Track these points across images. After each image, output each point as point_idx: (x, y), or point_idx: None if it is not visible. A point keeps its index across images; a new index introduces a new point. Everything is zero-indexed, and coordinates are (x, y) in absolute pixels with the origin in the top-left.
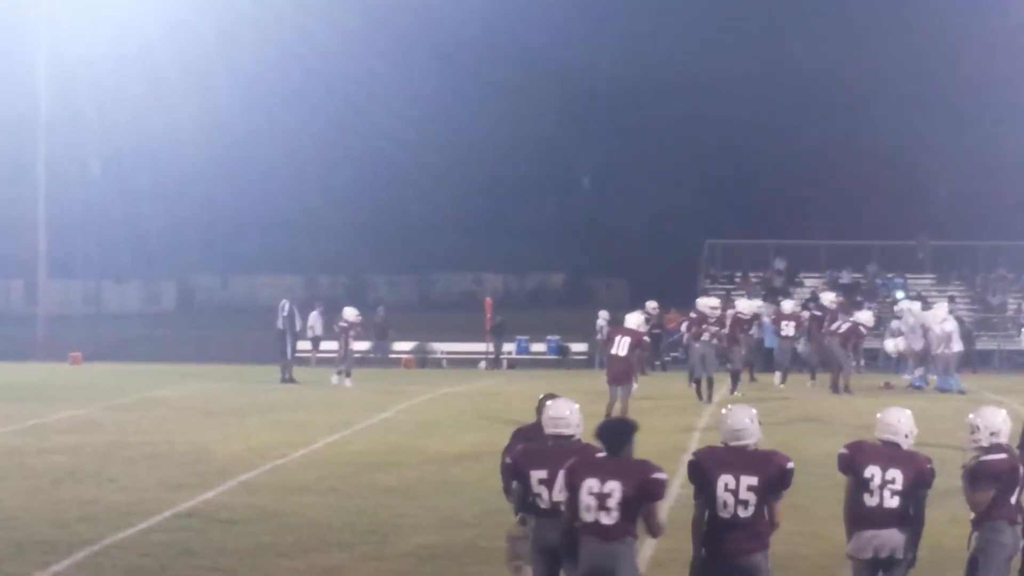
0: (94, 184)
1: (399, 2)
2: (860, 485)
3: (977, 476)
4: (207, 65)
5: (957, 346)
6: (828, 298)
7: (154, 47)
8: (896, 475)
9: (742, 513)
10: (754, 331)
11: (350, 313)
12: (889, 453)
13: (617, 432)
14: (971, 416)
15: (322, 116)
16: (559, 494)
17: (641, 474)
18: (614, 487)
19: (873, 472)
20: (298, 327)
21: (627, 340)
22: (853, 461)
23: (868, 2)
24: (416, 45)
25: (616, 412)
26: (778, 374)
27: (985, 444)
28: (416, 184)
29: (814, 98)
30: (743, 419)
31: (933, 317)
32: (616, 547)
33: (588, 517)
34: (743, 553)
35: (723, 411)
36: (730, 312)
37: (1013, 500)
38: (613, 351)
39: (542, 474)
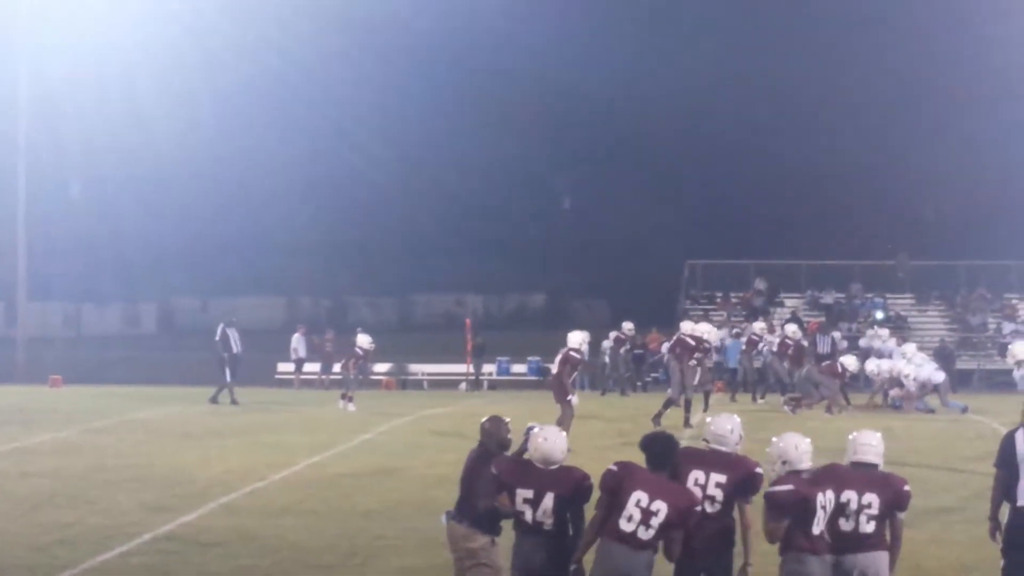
0: (74, 206)
1: (381, 23)
2: (836, 510)
3: (766, 506)
4: (188, 86)
5: (937, 377)
6: (791, 330)
7: (135, 67)
8: (873, 499)
9: (709, 508)
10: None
11: (364, 340)
12: (865, 476)
13: (664, 446)
14: (773, 440)
15: (303, 138)
16: (543, 515)
17: (687, 500)
18: (661, 507)
19: (849, 497)
20: (234, 349)
21: (559, 357)
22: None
23: (849, 23)
24: (397, 66)
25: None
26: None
27: (778, 472)
28: (397, 206)
29: (795, 119)
30: (725, 425)
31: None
32: (646, 556)
33: (627, 527)
34: (711, 552)
35: (708, 418)
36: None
37: (816, 530)
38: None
39: (528, 493)
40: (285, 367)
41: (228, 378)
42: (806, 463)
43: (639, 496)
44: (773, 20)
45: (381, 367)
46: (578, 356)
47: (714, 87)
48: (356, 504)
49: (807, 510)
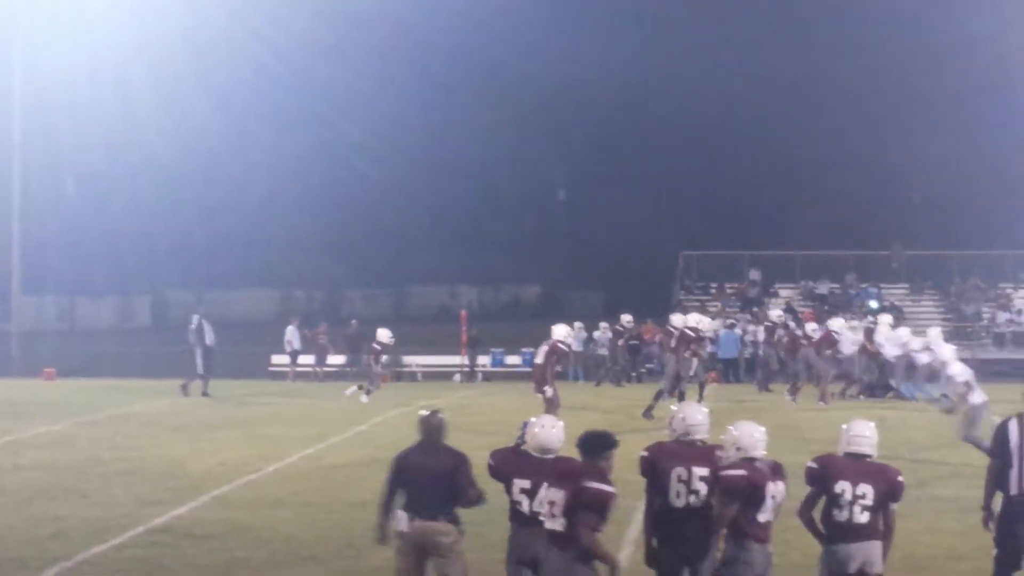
0: (68, 200)
1: (374, 17)
2: (830, 500)
3: (718, 490)
4: (181, 81)
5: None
6: (774, 314)
7: (128, 64)
8: (867, 490)
9: (694, 501)
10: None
11: (384, 335)
12: (859, 467)
13: (595, 440)
14: (729, 428)
15: (297, 132)
16: (539, 505)
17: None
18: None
19: (843, 487)
20: (208, 341)
21: (544, 348)
22: (823, 476)
23: (842, 12)
24: (390, 59)
25: None
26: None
27: (732, 458)
28: (391, 198)
29: (789, 109)
30: (696, 415)
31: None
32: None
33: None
34: (695, 544)
35: (673, 407)
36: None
37: (762, 518)
38: (535, 359)
39: (525, 484)
40: (279, 359)
41: (201, 370)
42: (760, 451)
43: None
44: (767, 11)
45: None
46: (564, 348)
47: (708, 79)
48: (350, 496)
49: (756, 497)
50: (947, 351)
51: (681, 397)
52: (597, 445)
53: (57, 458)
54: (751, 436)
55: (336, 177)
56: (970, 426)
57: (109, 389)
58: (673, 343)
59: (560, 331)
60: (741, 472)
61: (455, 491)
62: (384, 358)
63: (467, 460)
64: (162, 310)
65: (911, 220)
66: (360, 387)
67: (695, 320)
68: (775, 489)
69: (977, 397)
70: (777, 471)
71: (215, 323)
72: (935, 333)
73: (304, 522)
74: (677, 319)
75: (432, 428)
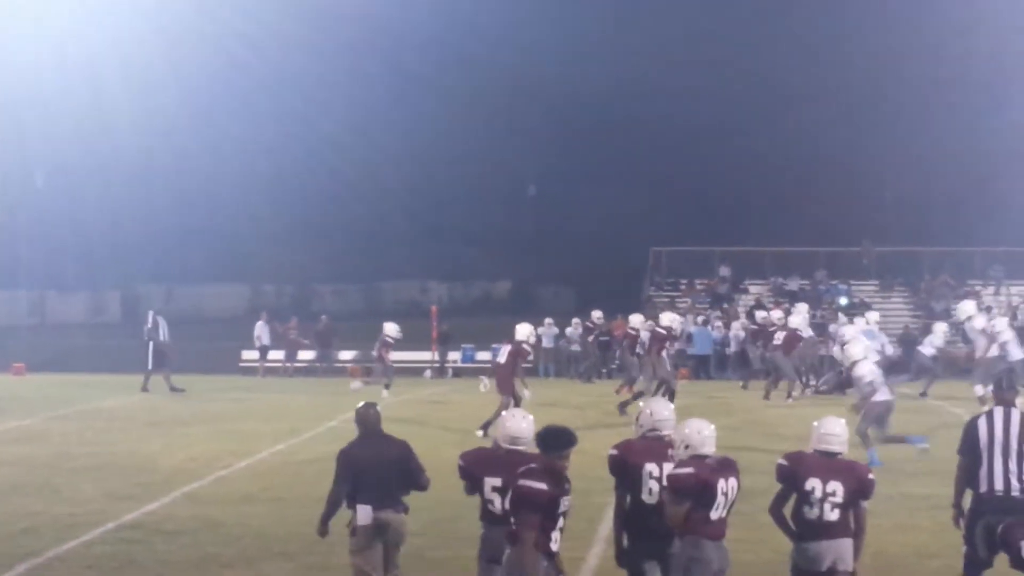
0: (38, 194)
1: (346, 11)
2: (800, 498)
3: (667, 489)
4: (152, 74)
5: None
6: (638, 320)
7: (99, 56)
8: (837, 487)
9: (724, 515)
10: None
11: (392, 329)
12: (829, 465)
13: (551, 438)
14: (677, 426)
15: (268, 126)
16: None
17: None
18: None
19: (814, 485)
20: (162, 337)
21: (507, 348)
22: (794, 473)
23: (814, 10)
24: (361, 54)
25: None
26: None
27: (681, 456)
28: (362, 193)
29: (760, 106)
30: (663, 411)
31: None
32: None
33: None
34: (664, 539)
35: (641, 403)
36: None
37: (715, 515)
38: (497, 359)
39: (496, 482)
40: (249, 355)
41: (150, 366)
42: (709, 448)
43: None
44: (739, 8)
45: (346, 354)
46: (528, 350)
47: (680, 76)
48: (321, 491)
49: (707, 495)
50: (858, 349)
51: (671, 396)
52: (553, 442)
53: (27, 454)
54: (699, 433)
55: (307, 172)
56: (879, 427)
57: (79, 384)
58: (646, 344)
59: (523, 331)
60: (689, 470)
61: (409, 478)
62: (387, 352)
63: (411, 446)
64: (133, 305)
65: (881, 217)
66: (385, 386)
67: (668, 319)
68: (726, 486)
69: (881, 396)
70: (727, 467)
71: (184, 318)
72: (851, 331)
73: (275, 518)
74: (636, 319)
75: (372, 420)
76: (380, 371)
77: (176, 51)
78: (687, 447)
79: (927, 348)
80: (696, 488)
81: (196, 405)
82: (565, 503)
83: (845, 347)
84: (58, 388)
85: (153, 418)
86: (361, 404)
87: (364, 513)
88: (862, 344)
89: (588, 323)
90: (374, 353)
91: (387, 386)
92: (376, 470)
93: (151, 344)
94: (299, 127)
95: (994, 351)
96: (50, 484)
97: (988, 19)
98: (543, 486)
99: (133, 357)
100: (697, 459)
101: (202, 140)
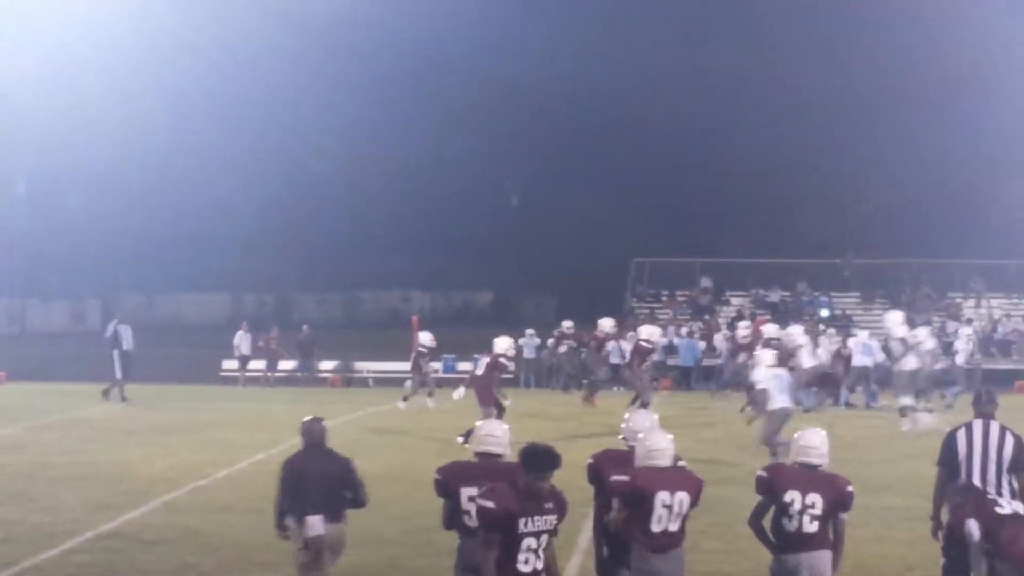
0: (19, 202)
1: (327, 19)
2: (779, 509)
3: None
4: (134, 83)
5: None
6: (607, 324)
7: (81, 64)
8: (816, 499)
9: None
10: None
11: (426, 338)
12: (809, 477)
13: (531, 458)
14: (639, 436)
15: (249, 134)
16: None
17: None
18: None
19: (793, 497)
20: (125, 346)
21: (485, 361)
22: (773, 485)
23: (793, 20)
24: (344, 62)
25: None
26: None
27: (639, 465)
28: (344, 202)
29: (742, 117)
30: (644, 423)
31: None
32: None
33: (657, 528)
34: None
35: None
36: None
37: (656, 528)
38: (476, 370)
39: (472, 491)
40: (229, 364)
41: (119, 375)
42: (661, 461)
43: (663, 496)
44: (720, 18)
45: (327, 364)
46: (506, 363)
47: (661, 86)
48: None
49: (643, 505)
50: (765, 356)
51: (643, 405)
52: (533, 462)
53: (6, 463)
54: (656, 445)
55: (289, 181)
56: (773, 432)
57: (60, 393)
58: (628, 357)
59: (503, 344)
60: (624, 478)
61: (352, 492)
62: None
63: (353, 463)
64: (114, 313)
65: (863, 229)
66: (428, 394)
67: (647, 332)
68: (671, 499)
69: (777, 404)
70: (676, 481)
71: (165, 327)
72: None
73: (254, 528)
74: (606, 323)
75: (319, 433)
76: (418, 382)
77: (158, 59)
78: (648, 457)
79: (960, 357)
80: (631, 496)
81: (176, 415)
82: (534, 523)
83: (759, 354)
84: (39, 397)
85: (133, 427)
86: (308, 418)
87: (316, 524)
88: (771, 353)
89: (557, 332)
90: (410, 365)
91: (430, 395)
92: (323, 482)
93: (115, 353)
94: (281, 136)
95: (913, 362)
96: (29, 493)
97: (970, 34)
98: (491, 504)
99: (134, 367)
100: (648, 469)
101: (183, 148)
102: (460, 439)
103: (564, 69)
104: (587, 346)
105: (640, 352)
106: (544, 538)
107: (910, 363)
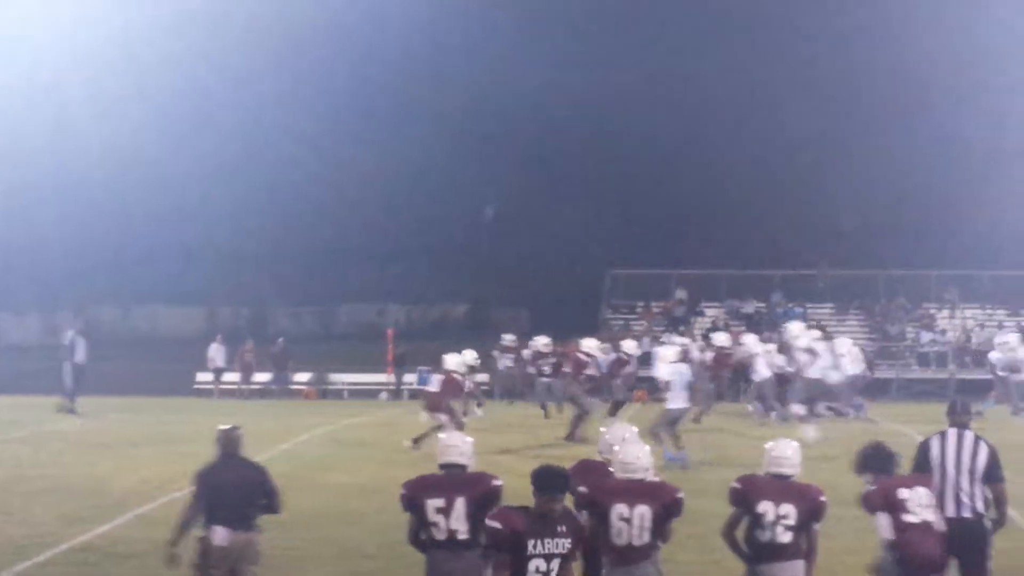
0: None
1: (305, 32)
2: (753, 520)
3: None
4: (112, 93)
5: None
6: (541, 342)
7: (59, 74)
8: (789, 510)
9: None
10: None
11: (469, 356)
12: (782, 488)
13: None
14: (615, 449)
15: (225, 147)
16: (456, 522)
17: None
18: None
19: (766, 508)
20: (78, 358)
21: (439, 378)
22: (746, 496)
23: (768, 31)
24: (320, 74)
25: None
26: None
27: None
28: (319, 215)
29: (717, 128)
30: (624, 434)
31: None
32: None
33: (619, 541)
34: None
35: (616, 447)
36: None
37: (618, 541)
38: (430, 386)
39: (439, 503)
40: (203, 377)
41: (71, 385)
42: (635, 474)
43: (620, 509)
44: (696, 30)
45: (301, 376)
46: (459, 378)
47: (636, 98)
48: (274, 515)
49: (601, 518)
50: (668, 352)
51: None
52: (542, 483)
53: None
54: (627, 458)
55: (263, 194)
56: (666, 425)
57: (33, 406)
58: (606, 369)
59: (452, 361)
60: (583, 489)
61: (267, 500)
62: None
63: (267, 470)
64: (88, 326)
65: (837, 240)
66: (478, 404)
67: (628, 346)
68: (629, 512)
69: (676, 404)
70: (638, 494)
71: (140, 339)
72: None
73: None
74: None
75: (234, 442)
76: (472, 393)
77: (138, 71)
78: (623, 470)
79: (1001, 371)
80: (589, 509)
81: (150, 427)
82: (544, 545)
83: (662, 350)
84: (10, 410)
85: (107, 440)
86: (227, 426)
87: (221, 535)
88: (674, 350)
89: (533, 351)
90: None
91: (479, 404)
92: (232, 491)
93: (67, 365)
94: (257, 149)
95: (814, 372)
96: (2, 507)
97: (945, 45)
98: (499, 525)
99: (88, 379)
100: (610, 482)
101: (159, 160)
102: (407, 443)
103: (539, 82)
104: (565, 375)
105: (619, 363)
106: (556, 562)
107: (813, 373)
